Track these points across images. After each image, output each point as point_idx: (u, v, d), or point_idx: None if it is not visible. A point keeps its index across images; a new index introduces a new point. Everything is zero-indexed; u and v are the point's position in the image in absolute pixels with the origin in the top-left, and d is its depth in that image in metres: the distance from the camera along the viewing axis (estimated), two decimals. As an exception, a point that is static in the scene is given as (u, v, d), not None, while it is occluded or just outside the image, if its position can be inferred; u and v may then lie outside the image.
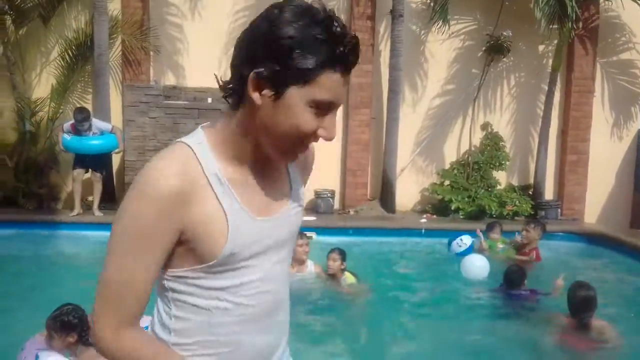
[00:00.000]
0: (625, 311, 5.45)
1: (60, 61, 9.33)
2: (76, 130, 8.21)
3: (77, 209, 8.35)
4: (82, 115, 8.16)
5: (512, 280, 5.39)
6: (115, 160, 9.23)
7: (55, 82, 9.31)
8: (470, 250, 6.82)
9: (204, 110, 8.51)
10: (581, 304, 4.36)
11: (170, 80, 9.61)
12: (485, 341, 4.78)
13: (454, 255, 6.88)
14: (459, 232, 8.16)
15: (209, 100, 8.57)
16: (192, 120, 8.50)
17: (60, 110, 9.31)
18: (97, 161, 8.44)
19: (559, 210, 9.72)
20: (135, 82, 9.06)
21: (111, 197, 9.04)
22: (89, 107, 9.44)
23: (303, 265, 5.77)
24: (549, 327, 4.83)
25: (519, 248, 6.83)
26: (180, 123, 8.51)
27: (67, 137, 8.25)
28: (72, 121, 8.26)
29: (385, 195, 9.64)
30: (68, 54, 9.28)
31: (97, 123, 8.35)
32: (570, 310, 4.48)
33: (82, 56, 9.27)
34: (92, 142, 8.27)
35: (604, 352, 4.57)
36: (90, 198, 8.54)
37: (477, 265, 6.14)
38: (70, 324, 3.28)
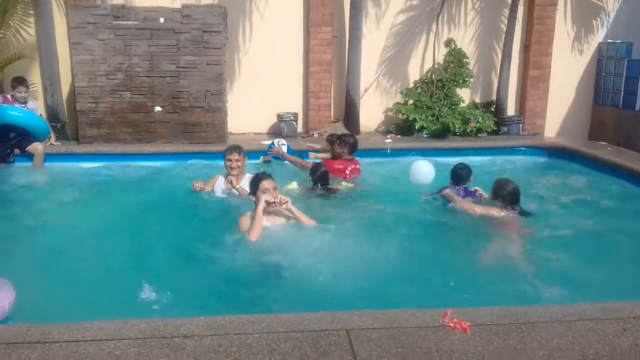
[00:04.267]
0: (586, 219, 5.58)
1: (-5, -20, 8.59)
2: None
3: None
4: (25, 84, 7.75)
5: (459, 176, 5.66)
6: (65, 86, 8.73)
7: (-8, 3, 8.60)
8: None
9: (156, 31, 8.02)
10: (511, 196, 5.05)
11: (117, -1, 8.99)
12: (436, 244, 4.93)
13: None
14: (425, 151, 8.21)
15: (161, 20, 8.06)
16: (144, 41, 8.01)
17: (1, 35, 8.66)
18: (28, 137, 7.66)
19: (521, 125, 9.79)
20: (80, 2, 8.43)
21: (62, 127, 8.64)
22: (32, 31, 8.85)
23: (239, 179, 5.85)
24: (492, 221, 5.13)
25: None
26: (132, 45, 8.01)
27: None
28: (4, 96, 7.72)
29: (349, 116, 9.49)
30: (4, -27, 8.54)
31: (31, 105, 7.87)
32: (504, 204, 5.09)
33: (19, -26, 8.55)
34: (22, 114, 7.52)
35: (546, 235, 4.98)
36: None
37: (424, 171, 6.34)
38: None
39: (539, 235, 4.91)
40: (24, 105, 7.68)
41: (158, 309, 3.55)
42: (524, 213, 5.18)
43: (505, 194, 5.08)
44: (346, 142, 6.85)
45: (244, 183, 5.82)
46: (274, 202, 4.67)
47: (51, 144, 8.04)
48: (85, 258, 4.48)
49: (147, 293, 3.68)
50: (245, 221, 4.73)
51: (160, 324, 2.95)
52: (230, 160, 5.87)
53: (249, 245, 4.48)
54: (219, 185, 6.00)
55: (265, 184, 4.71)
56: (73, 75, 8.20)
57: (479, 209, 5.23)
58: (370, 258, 4.33)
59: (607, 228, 5.19)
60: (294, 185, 6.09)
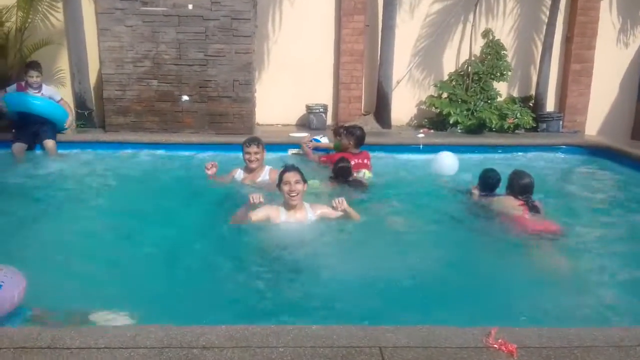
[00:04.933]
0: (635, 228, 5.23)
1: (25, -35, 8.48)
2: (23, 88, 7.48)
3: None
4: (37, 69, 7.46)
5: (486, 183, 5.43)
6: (92, 73, 8.62)
7: (22, -12, 8.50)
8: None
9: (184, 18, 7.83)
10: (522, 188, 4.96)
11: (146, -15, 8.81)
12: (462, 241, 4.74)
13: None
14: (459, 147, 7.87)
15: (190, 6, 7.86)
16: (172, 28, 7.83)
17: (29, 20, 8.57)
18: (46, 128, 7.47)
19: (561, 122, 9.35)
20: (108, -13, 8.28)
21: (90, 114, 8.54)
22: (60, 16, 8.74)
23: (258, 173, 5.73)
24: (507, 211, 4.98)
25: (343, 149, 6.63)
26: (160, 32, 7.85)
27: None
28: (18, 83, 7.55)
29: (381, 109, 9.18)
30: (34, -43, 8.42)
31: (47, 90, 7.63)
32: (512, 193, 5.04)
33: (49, -41, 8.42)
34: (39, 102, 7.36)
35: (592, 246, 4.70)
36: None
37: (447, 164, 6.22)
38: None
39: (584, 246, 4.57)
40: (37, 90, 7.52)
41: (177, 312, 3.35)
42: (532, 207, 4.96)
43: (516, 185, 5.01)
44: (353, 133, 6.51)
45: (264, 176, 5.71)
46: (295, 195, 4.54)
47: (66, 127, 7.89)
48: (102, 252, 4.31)
49: (166, 295, 3.48)
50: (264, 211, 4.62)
51: (179, 332, 2.74)
52: (249, 153, 5.67)
53: (274, 244, 4.29)
54: (238, 179, 5.82)
55: (287, 176, 4.57)
56: (100, 62, 8.08)
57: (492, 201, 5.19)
58: (397, 264, 4.07)
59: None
60: (315, 183, 5.84)
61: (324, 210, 4.68)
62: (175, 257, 4.17)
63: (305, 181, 4.64)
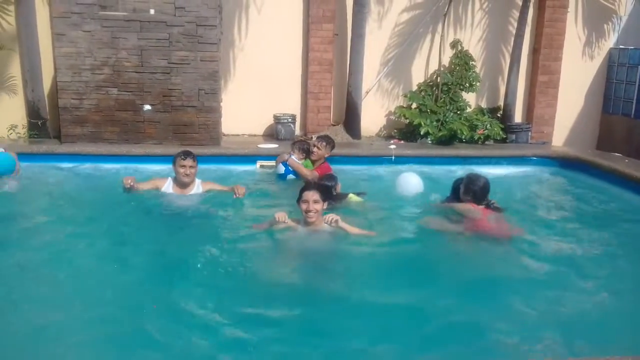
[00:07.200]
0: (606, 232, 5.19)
1: (-28, -36, 7.94)
2: None
3: None
4: None
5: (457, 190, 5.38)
6: (47, 81, 8.12)
7: (-32, -11, 7.95)
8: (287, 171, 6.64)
9: (146, 23, 7.44)
10: (482, 190, 5.01)
11: (105, -12, 8.38)
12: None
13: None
14: (431, 159, 7.76)
15: (152, 11, 7.49)
16: (133, 34, 7.43)
17: (-22, 24, 8.02)
18: None
19: (530, 133, 9.34)
20: (64, -10, 7.81)
21: (43, 124, 8.03)
22: (12, 20, 8.20)
23: (189, 187, 5.68)
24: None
25: (313, 163, 6.71)
26: (120, 38, 7.43)
27: None
28: None
29: (350, 119, 8.97)
30: (-19, -45, 7.89)
31: None
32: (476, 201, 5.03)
33: (-2, -42, 7.90)
34: None
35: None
36: None
37: (413, 183, 6.14)
38: None
39: (565, 265, 4.45)
40: None
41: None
42: (495, 208, 5.10)
43: (477, 189, 5.03)
44: (332, 143, 6.81)
45: (197, 189, 5.68)
46: (313, 214, 4.54)
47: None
48: (64, 288, 3.87)
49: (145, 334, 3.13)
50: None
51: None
52: (184, 166, 5.55)
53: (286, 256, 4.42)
54: (168, 189, 5.66)
55: (306, 195, 4.56)
56: (56, 69, 7.60)
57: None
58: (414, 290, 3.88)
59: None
60: (354, 197, 5.74)
61: (343, 226, 4.66)
62: (149, 291, 3.80)
63: (324, 200, 4.62)
